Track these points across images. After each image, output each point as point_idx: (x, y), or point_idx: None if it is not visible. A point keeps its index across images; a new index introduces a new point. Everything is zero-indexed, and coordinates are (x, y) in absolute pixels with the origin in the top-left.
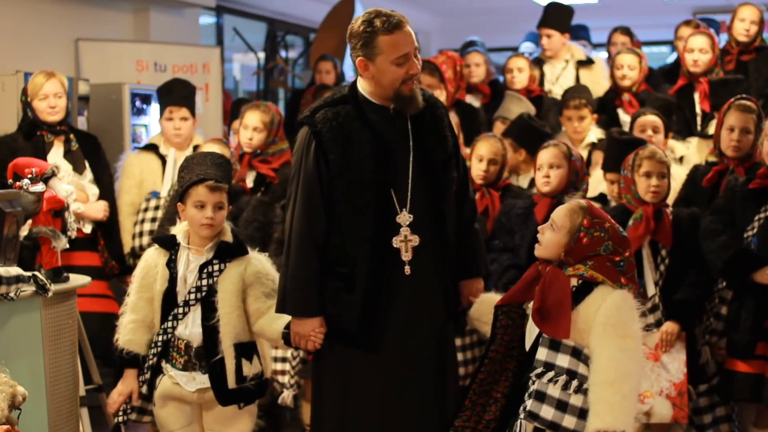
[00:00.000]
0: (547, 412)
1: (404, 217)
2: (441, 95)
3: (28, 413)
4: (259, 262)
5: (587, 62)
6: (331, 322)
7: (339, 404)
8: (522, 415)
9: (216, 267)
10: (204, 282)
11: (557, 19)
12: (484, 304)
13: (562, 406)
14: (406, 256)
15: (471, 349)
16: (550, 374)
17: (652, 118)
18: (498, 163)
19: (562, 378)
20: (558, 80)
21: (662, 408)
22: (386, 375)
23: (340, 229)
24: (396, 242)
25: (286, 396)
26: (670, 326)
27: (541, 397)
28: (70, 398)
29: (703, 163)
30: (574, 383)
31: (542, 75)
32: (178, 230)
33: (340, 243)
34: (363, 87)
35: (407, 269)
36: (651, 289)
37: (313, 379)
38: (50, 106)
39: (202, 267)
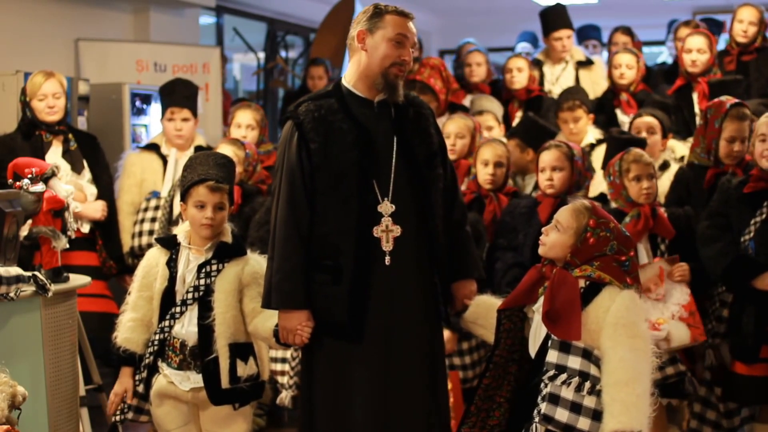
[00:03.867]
0: (562, 414)
1: (386, 207)
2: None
3: (28, 413)
4: (257, 263)
5: (587, 63)
6: (320, 316)
7: (332, 397)
8: (536, 419)
9: (214, 267)
10: (202, 281)
11: (565, 18)
12: (480, 307)
13: (576, 408)
14: (387, 247)
15: (476, 351)
16: (563, 376)
17: (646, 120)
18: (504, 165)
19: (575, 380)
20: (558, 81)
21: (678, 330)
22: (375, 366)
23: (324, 219)
24: (377, 232)
25: (284, 396)
26: (685, 265)
27: (554, 399)
28: (70, 398)
29: (687, 165)
30: (587, 385)
31: (542, 76)
32: (180, 230)
33: (325, 234)
34: (348, 79)
35: (387, 260)
36: None
37: (302, 374)
38: (49, 106)
39: (200, 267)
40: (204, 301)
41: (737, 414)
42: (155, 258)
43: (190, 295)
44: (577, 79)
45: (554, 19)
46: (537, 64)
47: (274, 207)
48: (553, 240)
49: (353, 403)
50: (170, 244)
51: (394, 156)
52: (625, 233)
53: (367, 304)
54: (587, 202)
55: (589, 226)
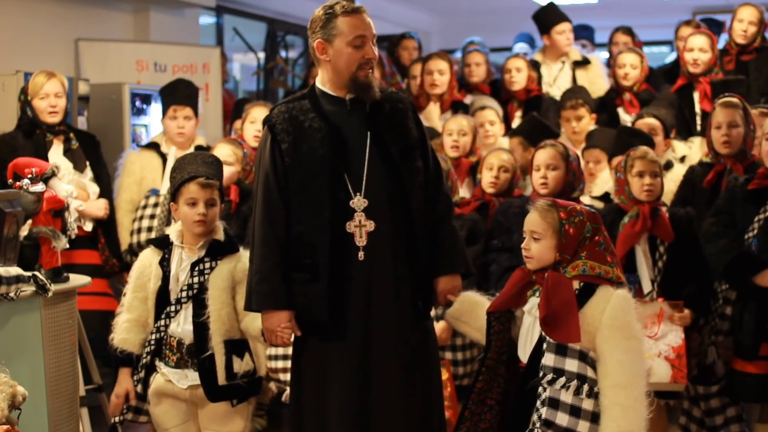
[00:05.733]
0: (562, 419)
1: (358, 202)
2: (446, 81)
3: (28, 413)
4: None
5: (583, 62)
6: (302, 315)
7: (315, 395)
8: (537, 424)
9: (207, 265)
10: (195, 279)
11: (562, 13)
12: (464, 304)
13: (575, 411)
14: (360, 242)
15: (469, 349)
16: (562, 380)
17: (648, 121)
18: (509, 171)
19: (574, 383)
20: (555, 82)
21: (661, 368)
22: (353, 362)
23: (299, 218)
24: (350, 227)
25: (288, 394)
26: (687, 312)
27: (554, 404)
28: (70, 398)
29: (698, 164)
30: (585, 388)
31: (539, 77)
32: (173, 230)
33: (301, 233)
34: (320, 80)
35: (361, 255)
36: (647, 286)
37: (291, 373)
38: (51, 105)
39: (193, 265)
40: (198, 298)
41: (720, 413)
42: (148, 259)
43: (184, 294)
44: (574, 80)
45: (552, 14)
46: (534, 65)
47: (254, 210)
48: (538, 250)
49: (334, 399)
50: (163, 244)
51: (367, 151)
52: (591, 210)
53: (346, 301)
54: (547, 200)
55: (563, 219)
